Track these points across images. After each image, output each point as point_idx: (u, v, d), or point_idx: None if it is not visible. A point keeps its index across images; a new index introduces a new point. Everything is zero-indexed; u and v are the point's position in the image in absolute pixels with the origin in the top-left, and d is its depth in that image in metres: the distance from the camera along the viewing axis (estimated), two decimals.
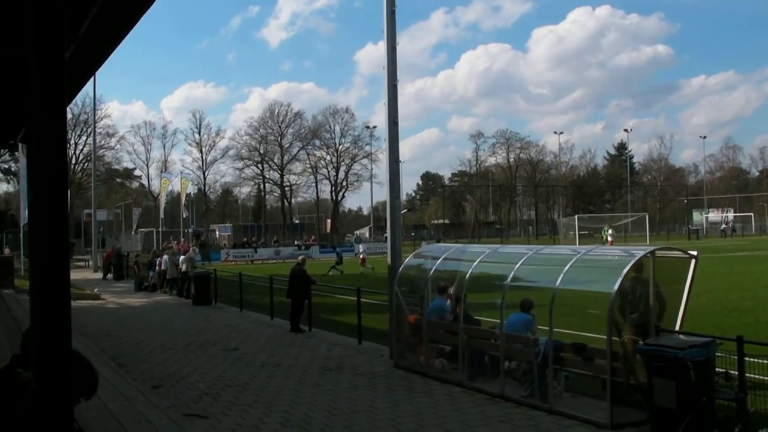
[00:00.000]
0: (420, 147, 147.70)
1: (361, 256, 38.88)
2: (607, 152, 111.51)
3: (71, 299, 2.96)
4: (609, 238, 53.17)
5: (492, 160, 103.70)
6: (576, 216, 67.08)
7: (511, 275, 10.13)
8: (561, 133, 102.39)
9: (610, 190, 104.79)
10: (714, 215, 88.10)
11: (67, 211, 2.97)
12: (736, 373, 7.70)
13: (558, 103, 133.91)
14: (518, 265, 10.24)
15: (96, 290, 28.03)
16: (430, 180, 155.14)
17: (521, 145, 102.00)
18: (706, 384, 7.59)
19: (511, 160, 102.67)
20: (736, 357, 7.70)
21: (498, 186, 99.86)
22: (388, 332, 13.13)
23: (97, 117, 63.83)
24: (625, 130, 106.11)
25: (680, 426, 7.44)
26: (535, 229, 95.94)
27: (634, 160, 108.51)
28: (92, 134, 57.21)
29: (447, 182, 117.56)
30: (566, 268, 9.39)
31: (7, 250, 35.82)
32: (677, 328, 9.15)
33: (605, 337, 8.55)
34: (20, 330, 12.78)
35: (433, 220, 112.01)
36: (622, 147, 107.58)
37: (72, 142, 77.20)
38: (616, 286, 8.65)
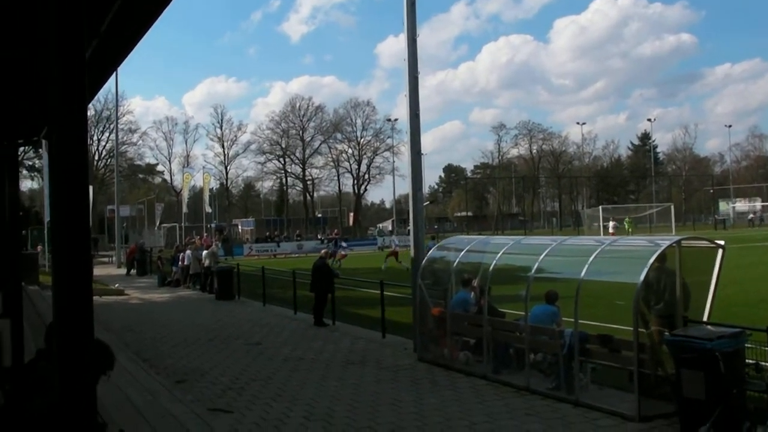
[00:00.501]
0: (442, 139, 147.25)
1: (394, 249, 35.28)
2: (631, 143, 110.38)
3: (94, 295, 2.98)
4: (611, 230, 52.74)
5: (515, 152, 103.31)
6: (600, 207, 66.50)
7: (535, 267, 10.06)
8: (584, 123, 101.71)
9: (634, 180, 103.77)
10: (741, 205, 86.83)
11: (88, 207, 2.97)
12: (767, 364, 7.58)
13: (580, 93, 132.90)
14: (542, 256, 10.16)
15: (118, 286, 28.31)
16: (452, 172, 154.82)
17: (544, 137, 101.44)
18: (735, 375, 7.47)
19: (534, 151, 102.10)
20: (766, 348, 7.58)
21: (521, 177, 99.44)
22: (411, 325, 13.12)
23: (119, 113, 64.55)
24: (649, 120, 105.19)
25: (710, 418, 7.34)
26: (558, 220, 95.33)
27: (658, 150, 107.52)
28: (115, 130, 57.55)
29: (469, 174, 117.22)
30: (591, 258, 9.30)
31: (39, 248, 36.13)
32: (705, 318, 9.03)
33: (631, 328, 8.46)
34: (45, 325, 12.96)
35: (456, 213, 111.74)
36: (645, 137, 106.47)
37: (95, 138, 77.95)
38: (642, 277, 8.55)
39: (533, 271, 10.06)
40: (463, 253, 12.18)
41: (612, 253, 9.81)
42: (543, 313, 10.03)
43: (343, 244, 42.62)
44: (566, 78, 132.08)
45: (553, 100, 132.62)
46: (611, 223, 54.94)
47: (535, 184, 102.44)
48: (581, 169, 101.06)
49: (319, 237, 62.37)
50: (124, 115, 77.77)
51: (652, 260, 8.68)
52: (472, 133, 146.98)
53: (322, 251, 18.90)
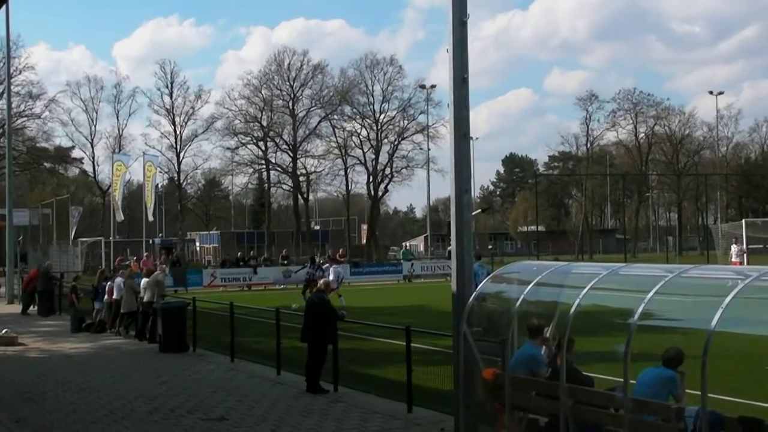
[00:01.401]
0: (502, 117, 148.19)
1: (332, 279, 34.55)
2: None
3: None
4: (734, 257, 52.23)
5: (611, 137, 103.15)
6: (743, 221, 66.03)
7: (640, 310, 9.98)
8: (721, 93, 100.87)
9: None
10: None
11: None
12: None
13: (717, 46, 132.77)
14: (651, 294, 10.08)
15: (7, 331, 28.32)
16: (516, 166, 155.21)
17: (657, 113, 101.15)
18: None
19: (641, 136, 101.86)
20: None
21: (620, 175, 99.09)
22: (452, 394, 13.07)
23: (13, 68, 64.63)
24: None
25: None
26: (677, 240, 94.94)
27: None
28: (6, 95, 56.69)
29: (542, 170, 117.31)
30: (728, 299, 9.21)
31: None
32: None
33: None
34: None
35: (520, 227, 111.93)
36: None
37: None
38: None
39: (637, 316, 9.98)
40: (530, 287, 12.11)
41: (763, 291, 9.71)
42: (654, 380, 9.94)
43: (334, 267, 41.23)
44: (695, 23, 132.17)
45: (674, 57, 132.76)
46: (734, 248, 54.18)
47: (641, 185, 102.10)
48: (714, 164, 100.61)
49: (316, 260, 62.44)
50: (20, 72, 78.33)
51: None
52: (547, 107, 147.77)
53: (320, 281, 18.90)
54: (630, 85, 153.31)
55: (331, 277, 36.37)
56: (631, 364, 9.93)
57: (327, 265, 39.27)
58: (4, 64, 60.19)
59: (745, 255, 54.30)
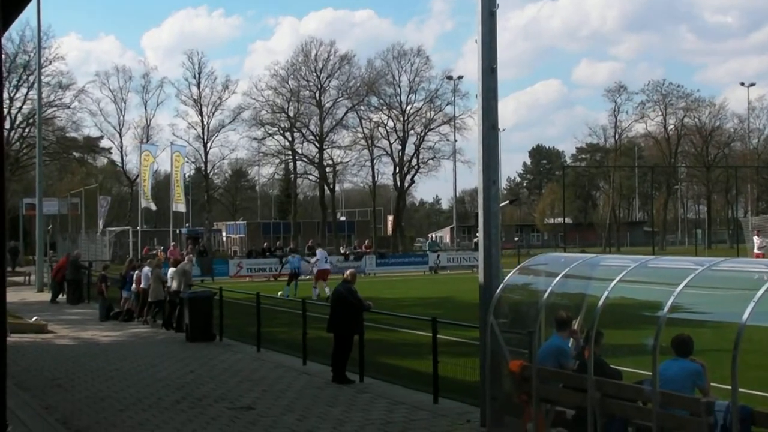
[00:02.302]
0: (530, 108, 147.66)
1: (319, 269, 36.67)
2: None
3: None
4: (756, 248, 51.51)
5: (639, 128, 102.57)
6: None
7: (669, 303, 9.92)
8: (752, 84, 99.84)
9: None
10: None
11: (4, 199, 3.00)
12: None
13: (750, 36, 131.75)
14: (680, 287, 10.02)
15: (38, 319, 28.63)
16: (543, 158, 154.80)
17: (687, 105, 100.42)
18: None
19: (670, 127, 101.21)
20: None
21: (649, 167, 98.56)
22: (478, 386, 13.06)
23: (43, 59, 64.85)
24: None
25: None
26: (706, 233, 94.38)
27: None
28: (36, 85, 56.71)
29: (569, 161, 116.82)
30: (760, 293, 9.15)
31: None
32: None
33: None
34: None
35: (547, 219, 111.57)
36: None
37: (5, 96, 78.15)
38: None
39: (666, 309, 9.92)
40: (557, 279, 12.07)
41: None
42: (680, 374, 9.88)
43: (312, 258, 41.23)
44: (729, 13, 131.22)
45: (705, 47, 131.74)
46: (756, 240, 53.37)
47: (670, 177, 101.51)
48: (745, 156, 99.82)
49: (342, 251, 62.63)
50: (50, 62, 78.49)
51: None
52: (576, 98, 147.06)
53: (347, 272, 18.86)
54: (660, 77, 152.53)
55: (314, 260, 37.40)
56: (659, 357, 9.88)
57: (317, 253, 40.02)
58: (35, 54, 60.40)
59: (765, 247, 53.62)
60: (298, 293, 34.25)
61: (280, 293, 34.62)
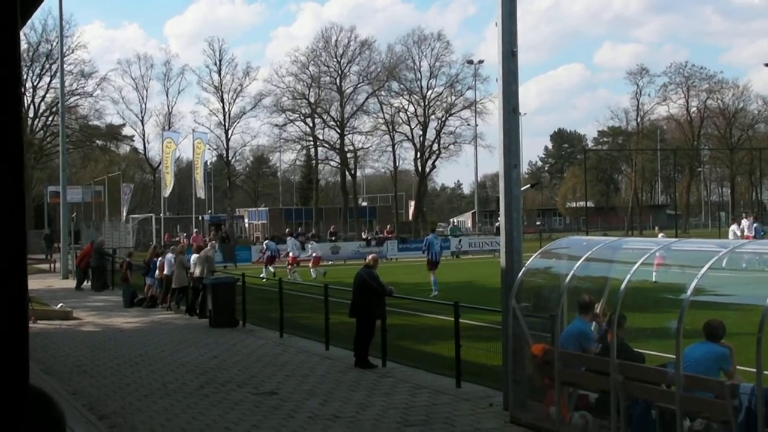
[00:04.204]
0: (552, 92, 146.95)
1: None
2: None
3: (29, 319, 3.00)
4: (746, 231, 50.66)
5: (662, 111, 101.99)
6: None
7: (693, 285, 9.88)
8: None
9: None
10: None
11: (23, 186, 2.99)
12: None
13: None
14: (704, 269, 9.98)
15: (63, 306, 28.79)
16: (564, 141, 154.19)
17: (710, 86, 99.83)
18: None
19: (693, 110, 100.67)
20: None
21: (671, 150, 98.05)
22: (500, 370, 13.06)
23: (66, 48, 65.09)
24: None
25: None
26: (729, 215, 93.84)
27: None
28: (59, 73, 56.97)
29: (591, 145, 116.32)
30: None
31: None
32: None
33: None
34: None
35: (569, 202, 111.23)
36: None
37: (28, 85, 78.66)
38: None
39: (689, 291, 9.88)
40: (580, 262, 12.04)
41: None
42: (705, 356, 9.84)
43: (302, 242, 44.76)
44: None
45: (730, 28, 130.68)
46: (744, 222, 51.93)
47: (693, 159, 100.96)
48: None
49: (364, 236, 62.66)
50: (73, 51, 78.69)
51: None
52: (598, 81, 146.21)
53: (369, 257, 18.88)
54: (683, 59, 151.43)
55: (288, 249, 40.16)
56: (683, 340, 9.84)
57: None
58: (57, 43, 60.57)
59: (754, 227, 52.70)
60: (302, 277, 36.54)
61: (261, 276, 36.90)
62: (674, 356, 9.91)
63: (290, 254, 42.43)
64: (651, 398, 10.55)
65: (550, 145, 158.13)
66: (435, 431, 11.88)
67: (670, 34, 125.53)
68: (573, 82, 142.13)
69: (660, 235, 50.22)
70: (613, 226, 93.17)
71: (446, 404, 13.41)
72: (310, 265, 41.23)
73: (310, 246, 43.64)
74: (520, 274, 12.65)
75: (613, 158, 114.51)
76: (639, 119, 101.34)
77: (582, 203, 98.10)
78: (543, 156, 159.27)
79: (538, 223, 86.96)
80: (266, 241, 45.58)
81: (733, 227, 50.56)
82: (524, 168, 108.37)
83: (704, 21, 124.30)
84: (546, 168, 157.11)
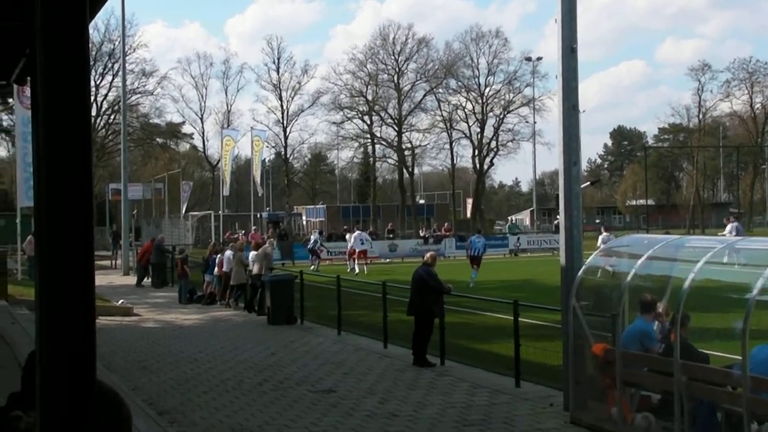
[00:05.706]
0: (612, 89, 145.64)
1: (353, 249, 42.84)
2: None
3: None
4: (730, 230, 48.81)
5: (725, 107, 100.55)
6: None
7: (759, 285, 9.72)
8: None
9: None
10: None
11: (91, 185, 2.99)
12: None
13: None
14: None
15: (124, 302, 29.16)
16: (624, 139, 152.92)
17: None
18: None
19: (757, 106, 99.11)
20: None
21: (734, 147, 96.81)
22: (560, 370, 12.97)
23: (128, 47, 65.80)
24: None
25: None
26: None
27: None
28: (121, 73, 57.33)
29: (652, 142, 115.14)
30: None
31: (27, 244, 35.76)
32: None
33: None
34: (16, 359, 13.39)
35: (629, 200, 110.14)
36: None
37: (91, 83, 79.49)
38: None
39: (755, 291, 9.73)
40: (641, 260, 11.92)
41: None
42: None
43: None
44: None
45: None
46: (733, 224, 50.00)
47: (757, 157, 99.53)
48: None
49: (421, 234, 62.59)
50: (134, 50, 79.48)
51: None
52: (659, 78, 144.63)
53: (427, 255, 18.84)
54: (747, 54, 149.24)
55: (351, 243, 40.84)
56: (749, 341, 9.69)
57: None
58: (119, 42, 61.24)
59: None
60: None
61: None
62: (740, 357, 9.78)
63: (355, 249, 42.98)
64: (716, 400, 10.41)
65: (609, 143, 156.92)
66: (494, 431, 11.84)
67: (735, 29, 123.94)
68: (633, 79, 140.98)
69: (729, 226, 48.84)
70: (674, 224, 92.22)
71: (505, 404, 13.35)
72: (355, 257, 42.17)
73: (362, 239, 44.27)
74: (580, 272, 12.56)
75: (674, 155, 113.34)
76: (701, 116, 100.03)
77: (642, 201, 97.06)
78: (602, 153, 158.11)
79: (597, 221, 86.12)
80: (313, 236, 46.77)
81: (733, 223, 49.48)
82: (584, 165, 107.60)
83: None
84: (605, 165, 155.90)
